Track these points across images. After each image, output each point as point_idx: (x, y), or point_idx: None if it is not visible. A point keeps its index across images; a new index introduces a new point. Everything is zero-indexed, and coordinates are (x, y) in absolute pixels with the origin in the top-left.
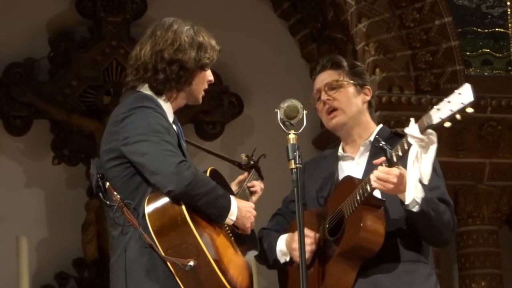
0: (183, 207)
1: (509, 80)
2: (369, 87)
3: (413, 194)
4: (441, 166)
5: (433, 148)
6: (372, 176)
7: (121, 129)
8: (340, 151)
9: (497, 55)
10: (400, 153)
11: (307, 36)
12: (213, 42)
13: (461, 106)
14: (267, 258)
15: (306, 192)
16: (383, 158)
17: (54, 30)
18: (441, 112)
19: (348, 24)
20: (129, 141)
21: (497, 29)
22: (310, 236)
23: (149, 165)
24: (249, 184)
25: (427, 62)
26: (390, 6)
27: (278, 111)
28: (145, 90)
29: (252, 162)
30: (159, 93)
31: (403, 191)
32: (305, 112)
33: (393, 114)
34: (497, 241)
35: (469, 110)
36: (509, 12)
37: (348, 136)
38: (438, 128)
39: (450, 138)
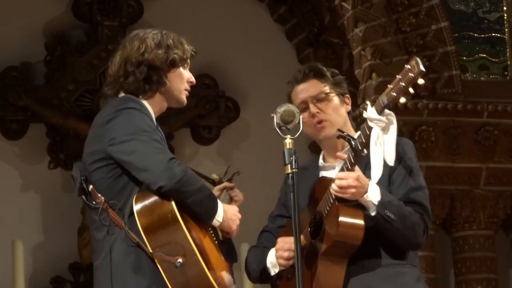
0: (173, 204)
1: (506, 85)
2: (348, 95)
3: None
4: (437, 171)
5: (393, 128)
6: (334, 186)
7: (107, 131)
8: (320, 161)
9: (494, 60)
10: (363, 140)
11: (303, 41)
12: (185, 42)
13: (410, 78)
14: (257, 273)
15: (290, 204)
16: (344, 156)
17: (50, 34)
18: (394, 89)
19: (344, 29)
20: (116, 141)
21: (493, 34)
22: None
23: (137, 163)
24: (231, 192)
25: (423, 67)
26: (387, 10)
27: (275, 116)
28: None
29: (224, 181)
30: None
31: (364, 193)
32: (301, 116)
33: None
34: (493, 246)
35: (420, 81)
36: (505, 17)
37: (333, 146)
38: (429, 131)
39: (446, 142)
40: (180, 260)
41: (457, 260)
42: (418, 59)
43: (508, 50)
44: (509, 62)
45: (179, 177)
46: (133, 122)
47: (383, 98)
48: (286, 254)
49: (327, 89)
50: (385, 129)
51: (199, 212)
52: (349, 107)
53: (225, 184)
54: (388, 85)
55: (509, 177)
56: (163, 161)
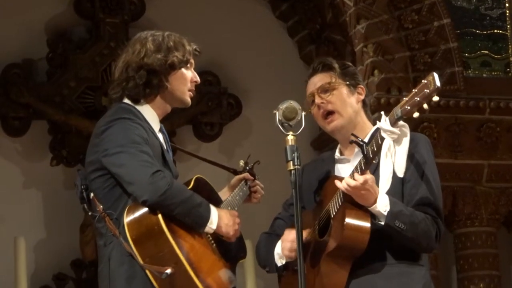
0: (160, 216)
1: (508, 81)
2: (362, 86)
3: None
4: (439, 168)
5: (406, 140)
6: (344, 184)
7: (101, 141)
8: (337, 153)
9: (496, 56)
10: (375, 148)
11: (305, 38)
12: (186, 43)
13: (426, 94)
14: (266, 262)
15: (304, 194)
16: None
17: (52, 31)
18: (408, 102)
19: (346, 26)
20: (108, 152)
21: (495, 31)
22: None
23: (125, 176)
24: (251, 185)
25: (425, 63)
26: (389, 7)
27: (277, 113)
28: (127, 101)
29: (247, 168)
30: (136, 101)
31: (373, 202)
32: (303, 113)
33: None
34: (496, 242)
35: (435, 98)
36: (507, 14)
37: (346, 138)
38: (431, 127)
39: (449, 139)
40: (168, 271)
41: (459, 256)
42: (436, 75)
43: (510, 46)
44: (511, 59)
45: (162, 190)
46: (125, 133)
47: (397, 111)
48: (289, 245)
49: (332, 79)
50: (397, 141)
51: (187, 223)
52: (362, 97)
53: (245, 175)
54: (404, 98)
55: (511, 174)
56: (147, 174)
